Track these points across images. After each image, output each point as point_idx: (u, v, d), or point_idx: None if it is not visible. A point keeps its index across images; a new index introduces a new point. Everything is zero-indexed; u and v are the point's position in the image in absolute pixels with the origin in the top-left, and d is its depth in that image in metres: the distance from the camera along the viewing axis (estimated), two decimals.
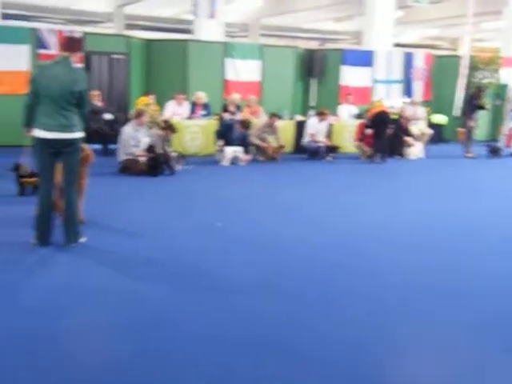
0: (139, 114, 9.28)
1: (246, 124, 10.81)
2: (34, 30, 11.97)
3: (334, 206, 7.14)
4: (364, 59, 14.75)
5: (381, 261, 4.86)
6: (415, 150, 12.37)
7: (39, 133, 4.78)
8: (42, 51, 11.89)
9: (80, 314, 3.53)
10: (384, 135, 11.56)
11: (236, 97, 12.38)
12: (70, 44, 4.90)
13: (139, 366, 2.88)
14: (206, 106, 11.97)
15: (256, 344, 3.18)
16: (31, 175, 6.61)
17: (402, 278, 4.41)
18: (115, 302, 3.72)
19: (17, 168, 6.88)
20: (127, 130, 9.17)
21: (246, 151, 10.74)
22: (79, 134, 4.89)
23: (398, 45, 19.31)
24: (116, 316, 3.51)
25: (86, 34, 12.56)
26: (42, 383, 2.73)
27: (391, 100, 14.16)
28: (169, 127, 9.67)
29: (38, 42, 11.85)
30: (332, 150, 11.79)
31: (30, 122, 4.88)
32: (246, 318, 3.52)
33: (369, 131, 11.67)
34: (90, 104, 5.13)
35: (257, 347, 3.14)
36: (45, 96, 4.72)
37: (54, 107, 4.72)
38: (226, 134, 10.74)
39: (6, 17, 18.15)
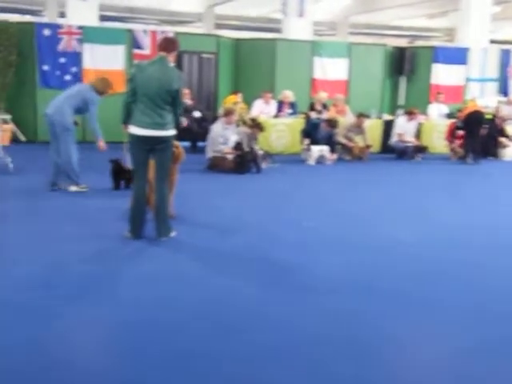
0: (229, 113, 9.41)
1: (332, 123, 10.73)
2: (129, 31, 12.46)
3: (426, 206, 6.95)
4: (457, 57, 14.23)
5: (480, 263, 4.69)
6: (511, 150, 11.83)
7: (135, 130, 4.96)
8: (137, 51, 12.37)
9: (175, 306, 3.62)
10: (478, 135, 11.13)
11: (323, 95, 12.33)
12: (167, 44, 5.06)
13: (239, 363, 2.93)
14: (292, 105, 12.00)
15: (352, 346, 3.15)
16: (126, 172, 6.88)
17: (503, 278, 4.25)
18: (208, 296, 3.79)
19: (113, 163, 7.18)
20: (216, 128, 9.34)
21: (332, 150, 10.66)
22: (172, 132, 5.04)
23: (493, 41, 18.45)
24: (210, 309, 3.57)
25: (177, 33, 12.91)
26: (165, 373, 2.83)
27: (486, 99, 13.60)
28: (256, 125, 9.78)
29: (133, 43, 12.34)
30: (420, 150, 11.48)
31: (127, 120, 5.08)
32: (341, 319, 3.48)
33: (460, 132, 11.30)
34: (183, 103, 5.27)
35: (353, 349, 3.11)
36: (142, 94, 4.90)
37: (150, 105, 4.89)
38: (312, 132, 10.71)
39: (103, 18, 18.98)
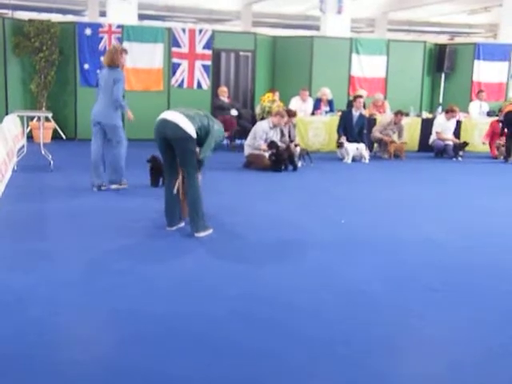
0: (278, 115, 9.36)
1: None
2: (168, 30, 12.57)
3: (463, 207, 6.81)
4: (500, 53, 13.91)
5: None
6: None
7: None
8: (175, 49, 12.48)
9: (210, 300, 3.64)
10: None
11: (362, 93, 12.21)
12: None
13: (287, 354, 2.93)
14: (330, 103, 11.94)
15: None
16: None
17: None
18: (244, 290, 3.78)
19: (151, 160, 7.23)
20: (263, 125, 9.31)
21: (368, 147, 10.59)
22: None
23: None
24: (248, 303, 3.57)
25: (214, 31, 12.97)
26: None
27: None
28: (286, 112, 9.67)
29: (172, 41, 12.45)
30: (460, 146, 11.23)
31: None
32: (382, 314, 3.46)
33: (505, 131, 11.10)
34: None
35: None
36: None
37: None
38: (347, 123, 10.54)
39: (142, 17, 19.21)
